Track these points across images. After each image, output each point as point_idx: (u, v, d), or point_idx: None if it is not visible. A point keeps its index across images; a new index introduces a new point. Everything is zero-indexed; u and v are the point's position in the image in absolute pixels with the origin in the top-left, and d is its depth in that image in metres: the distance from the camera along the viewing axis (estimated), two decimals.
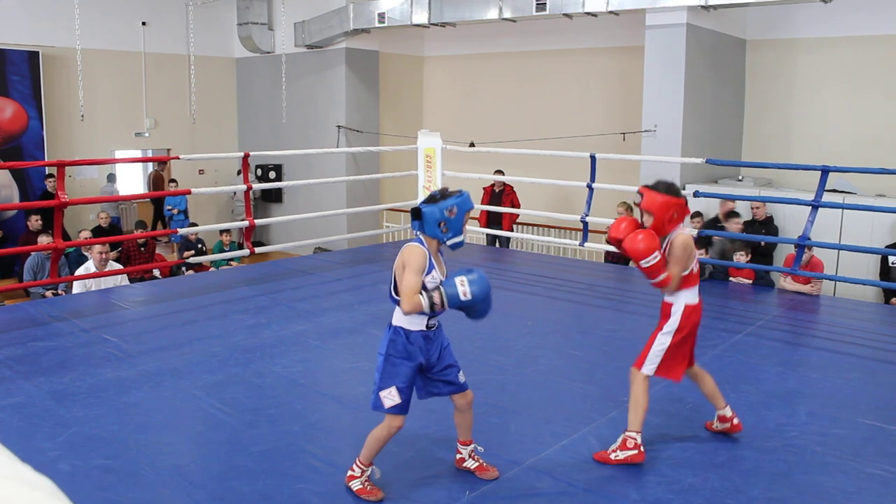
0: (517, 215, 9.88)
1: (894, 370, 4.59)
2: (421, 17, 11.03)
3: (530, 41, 11.96)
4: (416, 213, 2.82)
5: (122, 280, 6.80)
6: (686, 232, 3.31)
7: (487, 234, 9.49)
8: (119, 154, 12.67)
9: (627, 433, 3.22)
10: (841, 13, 8.94)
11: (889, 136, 8.88)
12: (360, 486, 2.90)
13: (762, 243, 7.54)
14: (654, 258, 3.21)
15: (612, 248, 8.31)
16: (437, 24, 11.18)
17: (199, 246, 10.27)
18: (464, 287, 2.74)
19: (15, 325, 5.17)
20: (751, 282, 6.87)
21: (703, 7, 8.70)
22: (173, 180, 12.63)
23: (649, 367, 3.28)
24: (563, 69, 11.84)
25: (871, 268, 7.78)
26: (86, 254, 7.78)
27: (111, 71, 12.40)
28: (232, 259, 9.65)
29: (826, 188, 6.14)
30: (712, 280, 6.85)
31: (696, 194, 6.62)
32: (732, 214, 7.30)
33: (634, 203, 3.41)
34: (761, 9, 9.50)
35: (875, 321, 5.95)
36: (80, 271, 6.62)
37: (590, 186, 7.33)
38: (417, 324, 2.84)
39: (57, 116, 11.76)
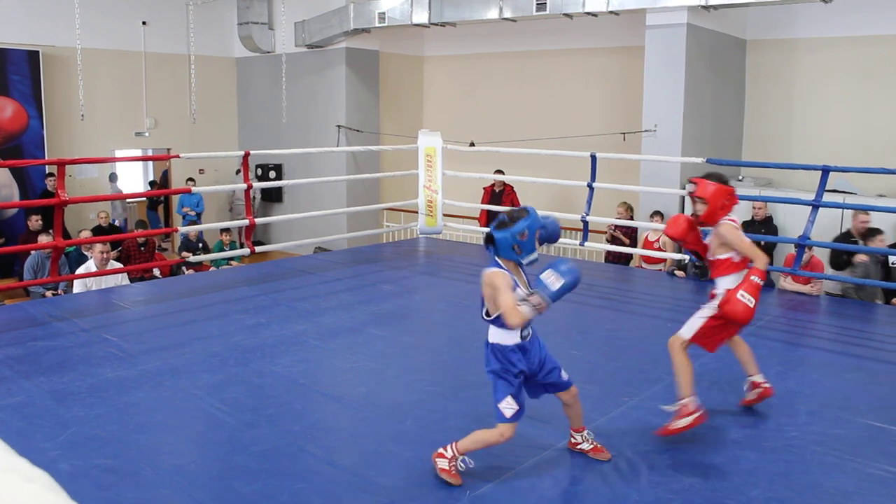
0: None
1: (894, 370, 4.59)
2: (421, 16, 11.03)
3: (530, 41, 11.95)
4: (490, 240, 2.92)
5: (123, 279, 6.80)
6: (727, 221, 3.46)
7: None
8: (119, 154, 12.67)
9: (681, 401, 3.35)
10: (841, 13, 8.95)
11: (889, 136, 8.88)
12: (447, 467, 3.00)
13: (761, 243, 7.54)
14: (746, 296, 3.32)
15: (611, 248, 8.34)
16: (437, 24, 11.18)
17: (200, 246, 10.27)
18: (553, 278, 2.86)
19: (15, 325, 5.17)
20: None
21: (703, 7, 8.70)
22: (191, 179, 12.43)
23: (688, 330, 3.47)
24: (563, 69, 11.84)
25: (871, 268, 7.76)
26: (86, 253, 7.79)
27: (111, 70, 12.40)
28: (232, 258, 9.66)
29: (826, 188, 6.14)
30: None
31: None
32: (874, 232, 6.65)
33: (688, 192, 3.53)
34: (762, 9, 9.49)
35: (875, 321, 5.95)
36: (80, 270, 6.63)
37: (590, 186, 7.32)
38: (512, 338, 2.94)
39: (57, 116, 11.76)
